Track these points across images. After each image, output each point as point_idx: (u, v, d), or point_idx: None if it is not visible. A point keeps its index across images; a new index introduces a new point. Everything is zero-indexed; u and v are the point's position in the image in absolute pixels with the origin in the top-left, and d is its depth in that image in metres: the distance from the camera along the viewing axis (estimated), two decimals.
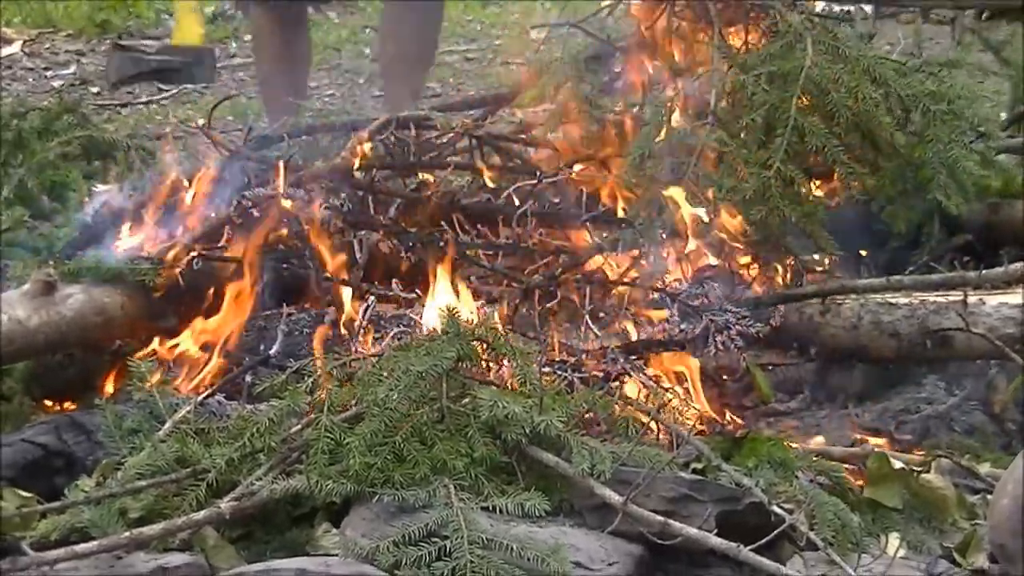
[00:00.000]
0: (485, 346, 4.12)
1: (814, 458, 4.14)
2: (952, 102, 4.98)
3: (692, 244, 4.97)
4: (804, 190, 4.87)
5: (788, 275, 5.03)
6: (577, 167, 5.39)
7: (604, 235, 5.20)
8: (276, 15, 8.04)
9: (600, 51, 5.47)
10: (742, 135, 4.82)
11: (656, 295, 4.83)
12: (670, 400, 4.31)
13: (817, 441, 4.57)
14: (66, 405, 4.85)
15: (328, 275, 5.01)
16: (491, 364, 4.21)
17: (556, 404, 4.00)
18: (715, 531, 3.71)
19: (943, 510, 4.09)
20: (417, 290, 4.97)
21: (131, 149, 6.36)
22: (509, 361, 4.13)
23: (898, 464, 4.14)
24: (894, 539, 3.91)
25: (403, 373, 3.96)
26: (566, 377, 4.44)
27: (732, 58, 5.01)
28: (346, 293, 4.95)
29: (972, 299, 4.83)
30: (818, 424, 4.87)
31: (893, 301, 4.98)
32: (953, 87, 5.03)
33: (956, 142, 4.89)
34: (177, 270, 4.87)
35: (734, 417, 4.74)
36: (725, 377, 4.93)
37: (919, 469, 4.16)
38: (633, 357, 4.62)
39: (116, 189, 5.63)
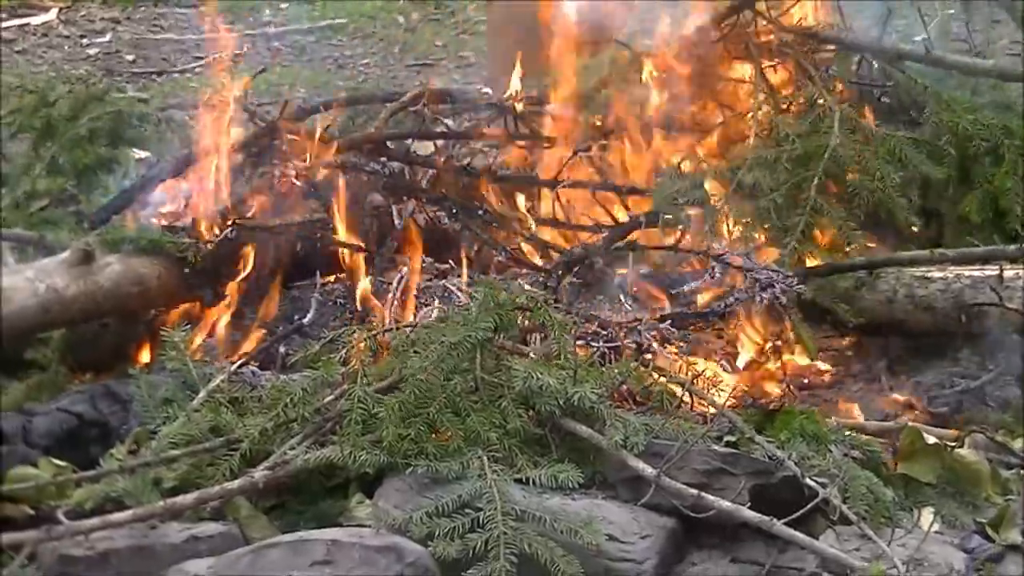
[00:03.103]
0: (524, 316, 4.11)
1: (847, 432, 4.13)
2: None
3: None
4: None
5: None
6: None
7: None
8: None
9: None
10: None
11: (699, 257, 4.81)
12: (703, 372, 4.29)
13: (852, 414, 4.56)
14: (101, 375, 4.86)
15: (361, 245, 5.01)
16: (528, 335, 4.21)
17: (590, 376, 4.00)
18: (748, 504, 3.71)
19: (977, 485, 4.08)
20: (451, 260, 4.97)
21: (160, 122, 6.34)
22: (546, 332, 4.13)
23: (932, 439, 4.13)
24: (927, 514, 3.90)
25: (437, 344, 3.96)
26: (599, 349, 4.43)
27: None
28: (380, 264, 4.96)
29: (1009, 273, 4.81)
30: (852, 397, 4.84)
31: (929, 275, 4.96)
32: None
33: None
34: (213, 241, 4.88)
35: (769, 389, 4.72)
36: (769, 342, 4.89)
37: (953, 444, 4.15)
38: (673, 329, 4.59)
39: (152, 158, 5.63)
